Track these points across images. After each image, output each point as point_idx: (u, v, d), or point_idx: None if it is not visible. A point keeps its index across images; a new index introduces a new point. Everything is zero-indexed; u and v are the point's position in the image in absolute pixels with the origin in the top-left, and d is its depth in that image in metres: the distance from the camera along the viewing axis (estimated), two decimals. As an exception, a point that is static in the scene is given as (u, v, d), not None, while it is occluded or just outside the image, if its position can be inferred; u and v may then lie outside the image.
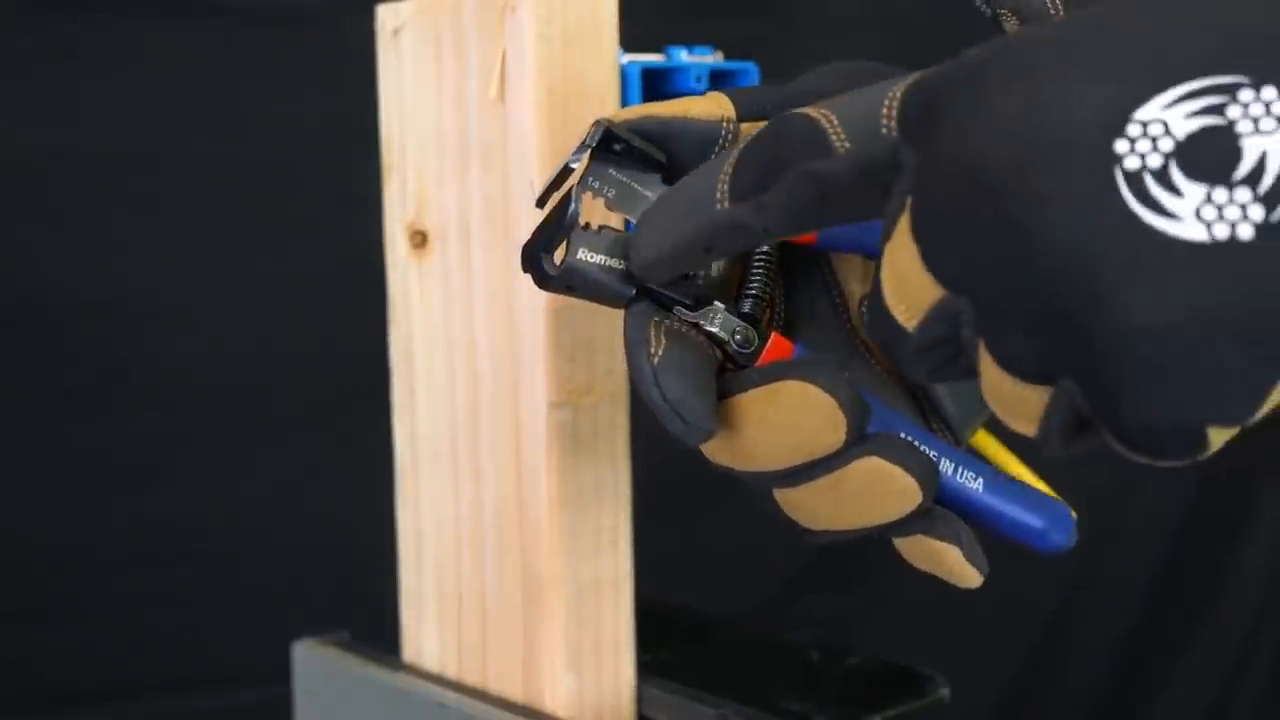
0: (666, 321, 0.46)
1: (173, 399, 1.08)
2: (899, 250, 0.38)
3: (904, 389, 0.50)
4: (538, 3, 0.54)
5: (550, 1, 0.54)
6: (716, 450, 0.46)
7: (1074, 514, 0.47)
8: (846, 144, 0.41)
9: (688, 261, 0.45)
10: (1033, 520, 0.47)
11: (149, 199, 1.05)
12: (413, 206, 0.61)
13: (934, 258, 0.37)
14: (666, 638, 0.64)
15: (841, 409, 0.43)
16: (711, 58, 0.57)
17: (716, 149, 0.48)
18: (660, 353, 0.45)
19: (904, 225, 0.38)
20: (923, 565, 0.46)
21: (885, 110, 0.41)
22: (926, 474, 0.44)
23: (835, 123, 0.41)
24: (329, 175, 1.05)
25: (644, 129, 0.48)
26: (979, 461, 0.47)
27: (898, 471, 0.43)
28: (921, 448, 0.46)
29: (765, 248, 0.49)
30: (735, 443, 0.45)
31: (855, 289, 0.50)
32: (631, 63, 0.56)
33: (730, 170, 0.43)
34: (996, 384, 0.38)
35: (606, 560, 0.57)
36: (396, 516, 0.64)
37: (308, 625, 0.68)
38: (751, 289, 0.48)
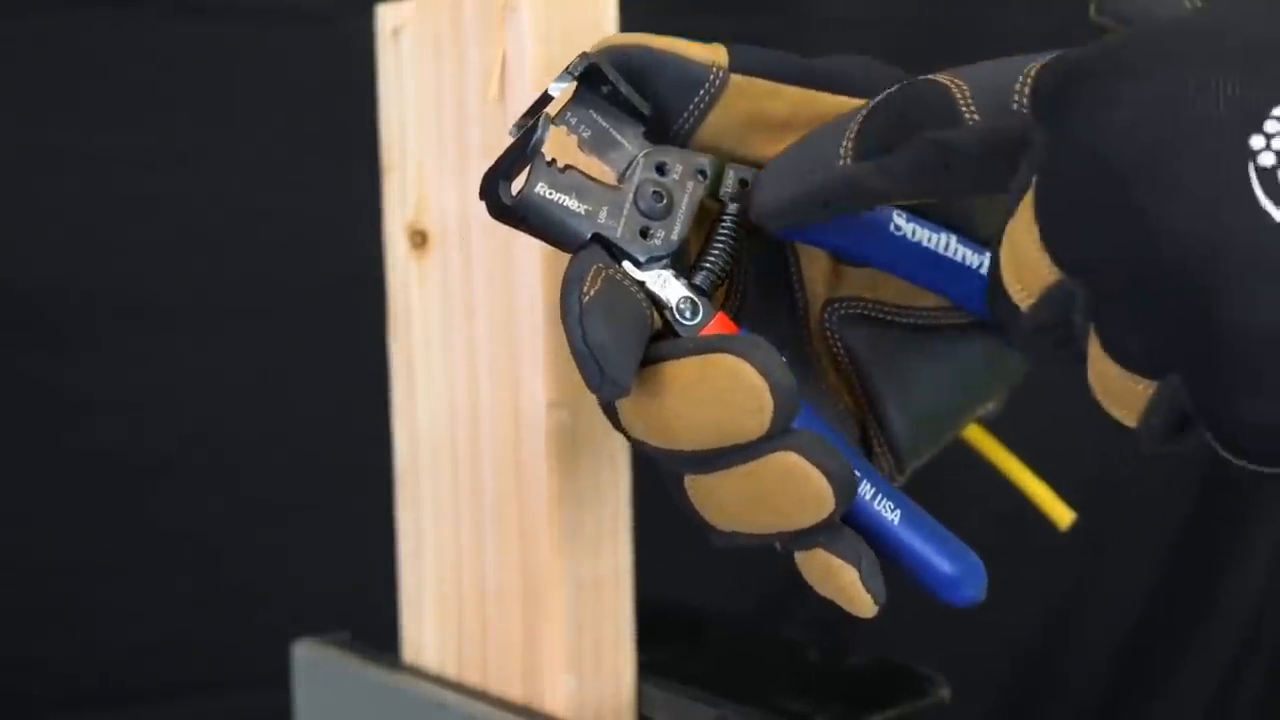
0: (610, 270, 0.44)
1: (171, 399, 1.08)
2: (1020, 229, 0.38)
3: (849, 408, 0.49)
4: (538, 3, 0.54)
5: (550, 1, 0.54)
6: (635, 418, 0.44)
7: (984, 568, 0.45)
8: (975, 115, 0.40)
9: (806, 213, 0.44)
10: (945, 566, 0.45)
11: (148, 199, 1.05)
12: (413, 206, 0.61)
13: (1053, 239, 0.37)
14: (666, 637, 0.64)
15: (771, 392, 0.41)
16: (711, 57, 0.57)
17: (702, 93, 0.46)
18: (592, 294, 0.42)
19: (1027, 203, 0.37)
20: (817, 583, 0.44)
21: (1019, 85, 0.40)
22: (844, 482, 0.42)
23: (966, 92, 0.40)
24: (329, 175, 1.05)
25: (634, 58, 0.46)
26: (903, 496, 0.46)
27: (814, 473, 0.42)
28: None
29: (731, 224, 0.47)
30: (655, 412, 0.43)
31: (819, 291, 0.49)
32: (632, 62, 0.56)
33: (856, 129, 0.42)
34: (1103, 372, 0.37)
35: (606, 560, 0.57)
36: (396, 516, 0.64)
37: (308, 625, 0.68)
38: (707, 262, 0.47)
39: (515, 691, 0.59)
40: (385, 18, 0.61)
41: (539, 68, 0.54)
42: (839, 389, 0.49)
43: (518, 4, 0.54)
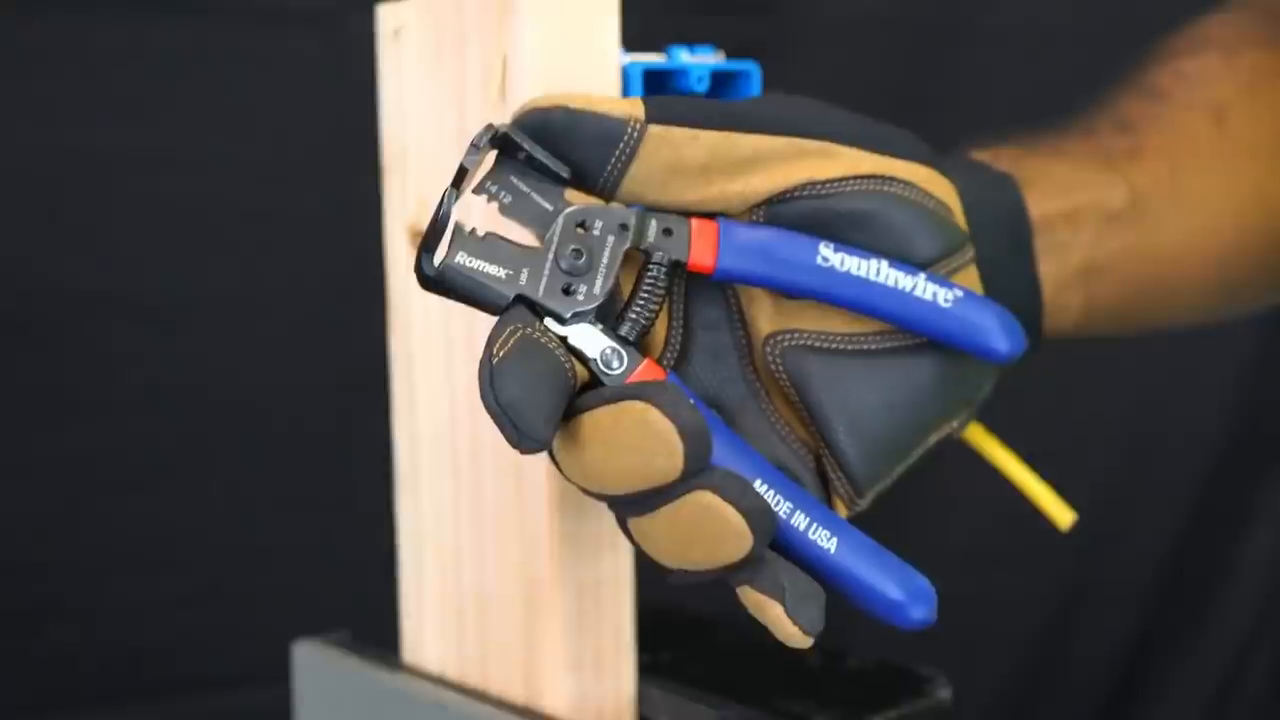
0: (528, 329, 0.45)
1: (172, 399, 1.08)
2: None
3: (803, 440, 0.49)
4: (538, 3, 0.54)
5: (550, 1, 0.54)
6: (566, 466, 0.45)
7: (933, 589, 0.45)
8: None
9: None
10: (890, 591, 0.44)
11: (148, 199, 1.05)
12: (413, 206, 0.61)
13: None
14: (666, 638, 0.64)
15: (680, 435, 0.42)
16: (713, 58, 0.57)
17: (622, 145, 0.47)
18: (503, 354, 0.43)
19: None
20: (755, 616, 0.44)
21: None
22: (759, 518, 0.42)
23: None
24: (329, 175, 1.05)
25: (551, 121, 0.47)
26: (843, 523, 0.45)
27: (729, 510, 0.42)
28: (771, 495, 0.45)
29: (658, 272, 0.47)
30: (581, 460, 0.44)
31: (762, 326, 0.49)
32: (633, 63, 0.56)
33: None
34: None
35: (607, 561, 0.57)
36: (396, 516, 0.64)
37: (308, 625, 0.68)
38: (633, 312, 0.47)
39: (515, 692, 0.59)
40: (385, 18, 0.61)
41: (539, 68, 0.54)
42: (791, 422, 0.49)
43: (518, 4, 0.54)
